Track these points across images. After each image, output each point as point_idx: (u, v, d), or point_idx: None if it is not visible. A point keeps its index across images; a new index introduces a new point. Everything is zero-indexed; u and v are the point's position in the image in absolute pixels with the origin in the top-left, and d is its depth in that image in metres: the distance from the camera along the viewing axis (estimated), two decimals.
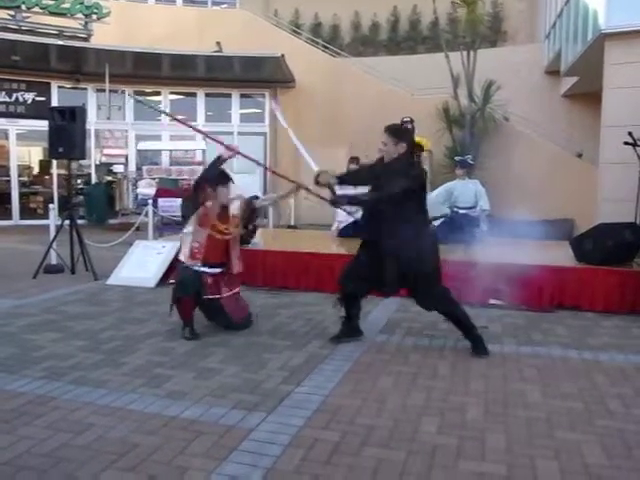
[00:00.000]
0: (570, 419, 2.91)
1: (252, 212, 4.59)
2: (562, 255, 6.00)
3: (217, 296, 4.33)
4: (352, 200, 4.17)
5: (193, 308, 4.29)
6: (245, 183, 13.80)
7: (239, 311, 4.48)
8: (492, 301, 5.44)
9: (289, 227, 12.04)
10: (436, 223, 7.41)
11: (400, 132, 4.03)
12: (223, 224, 4.33)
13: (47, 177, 13.68)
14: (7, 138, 13.22)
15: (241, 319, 4.48)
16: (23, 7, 13.04)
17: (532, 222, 6.89)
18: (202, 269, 4.27)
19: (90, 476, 2.28)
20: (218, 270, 4.37)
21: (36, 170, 14.28)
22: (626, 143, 7.20)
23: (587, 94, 13.22)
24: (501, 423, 2.84)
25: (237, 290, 4.52)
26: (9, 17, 13.06)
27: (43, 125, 7.61)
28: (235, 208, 4.42)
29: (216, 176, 4.31)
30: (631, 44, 9.14)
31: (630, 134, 7.21)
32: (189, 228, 4.33)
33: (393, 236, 3.80)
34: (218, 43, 14.36)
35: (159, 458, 2.43)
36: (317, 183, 4.05)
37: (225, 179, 4.35)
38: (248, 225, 4.66)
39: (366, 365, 3.70)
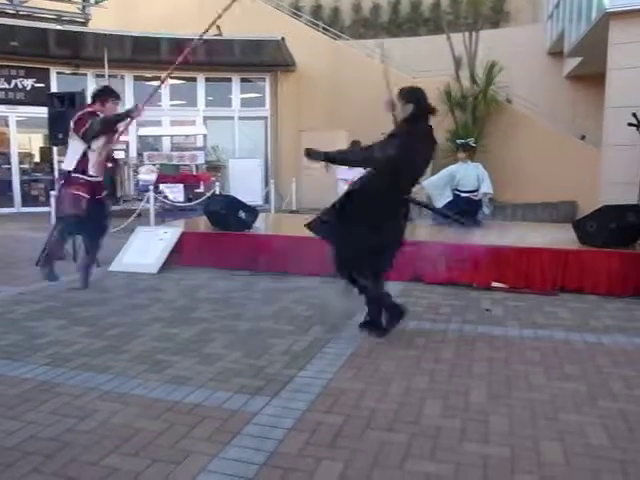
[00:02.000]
0: (573, 401, 2.91)
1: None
2: (565, 238, 5.98)
3: (98, 196, 5.12)
4: (337, 156, 4.01)
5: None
6: (247, 167, 13.80)
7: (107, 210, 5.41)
8: (494, 284, 5.44)
9: (291, 212, 12.02)
10: (439, 205, 7.42)
11: (409, 93, 3.79)
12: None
13: (48, 164, 13.65)
14: (7, 125, 13.17)
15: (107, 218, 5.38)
16: None
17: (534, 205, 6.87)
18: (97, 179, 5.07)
19: (95, 460, 2.29)
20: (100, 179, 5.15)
21: (37, 157, 14.25)
22: (630, 124, 7.15)
23: (590, 75, 13.10)
24: (504, 405, 2.85)
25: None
26: (6, 2, 12.94)
27: (43, 112, 7.57)
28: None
29: (104, 92, 5.10)
30: (636, 23, 9.03)
31: (634, 115, 7.16)
32: (95, 144, 4.98)
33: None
34: (218, 27, 14.21)
35: (163, 442, 2.44)
36: (308, 155, 3.92)
37: (116, 96, 5.11)
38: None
39: (369, 349, 3.70)
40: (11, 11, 12.90)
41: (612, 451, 2.41)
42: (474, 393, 3.00)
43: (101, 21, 13.46)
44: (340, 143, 11.39)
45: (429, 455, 2.36)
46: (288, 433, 2.53)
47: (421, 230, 7.58)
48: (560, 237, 6.15)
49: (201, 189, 11.75)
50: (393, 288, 5.45)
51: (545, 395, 2.98)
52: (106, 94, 5.07)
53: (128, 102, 14.06)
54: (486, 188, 7.21)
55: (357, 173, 7.71)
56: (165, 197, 10.73)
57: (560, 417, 2.72)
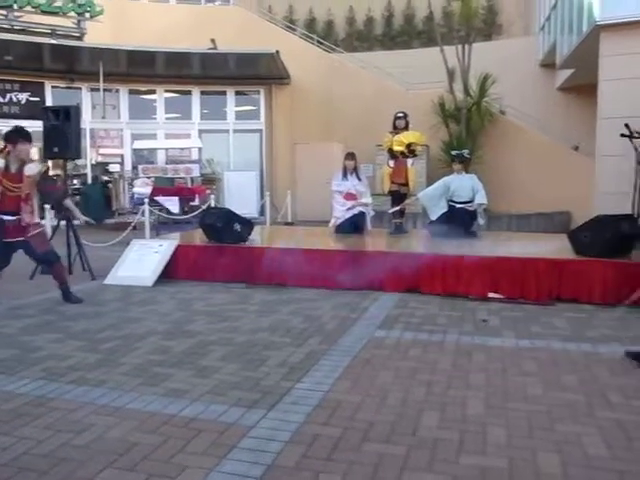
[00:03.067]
0: (571, 411, 2.90)
1: (46, 179, 5.29)
2: (560, 248, 6.00)
3: (21, 238, 5.01)
4: None
5: None
6: (242, 179, 13.81)
7: (42, 246, 5.19)
8: (491, 295, 5.44)
9: (286, 224, 12.03)
10: (433, 218, 7.45)
11: None
12: (15, 183, 4.94)
13: None
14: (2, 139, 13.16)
15: (44, 252, 5.20)
16: (15, 6, 13.01)
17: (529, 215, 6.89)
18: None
19: (90, 476, 2.27)
20: (14, 217, 4.99)
21: None
22: (622, 135, 7.21)
23: (583, 86, 13.22)
24: (502, 417, 2.84)
25: (40, 230, 5.22)
26: (1, 16, 13.00)
27: (38, 125, 7.55)
28: (31, 169, 5.02)
29: (14, 133, 4.97)
30: (626, 35, 9.15)
31: (626, 126, 7.22)
32: None
33: None
34: (212, 40, 14.31)
35: (158, 457, 2.42)
36: None
37: (26, 136, 4.98)
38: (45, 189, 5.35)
39: (365, 360, 3.69)
40: (6, 25, 12.96)
41: (610, 462, 2.40)
42: (471, 404, 2.99)
43: (96, 35, 13.52)
44: (334, 155, 11.45)
45: (427, 467, 2.35)
46: (285, 446, 2.51)
47: (412, 241, 7.59)
48: (555, 247, 6.17)
49: (196, 202, 11.74)
50: (389, 299, 5.47)
51: (542, 406, 2.98)
52: (16, 135, 4.97)
53: (123, 116, 14.17)
54: (481, 199, 7.24)
55: (350, 186, 7.76)
56: (161, 209, 10.71)
57: (558, 428, 2.72)
